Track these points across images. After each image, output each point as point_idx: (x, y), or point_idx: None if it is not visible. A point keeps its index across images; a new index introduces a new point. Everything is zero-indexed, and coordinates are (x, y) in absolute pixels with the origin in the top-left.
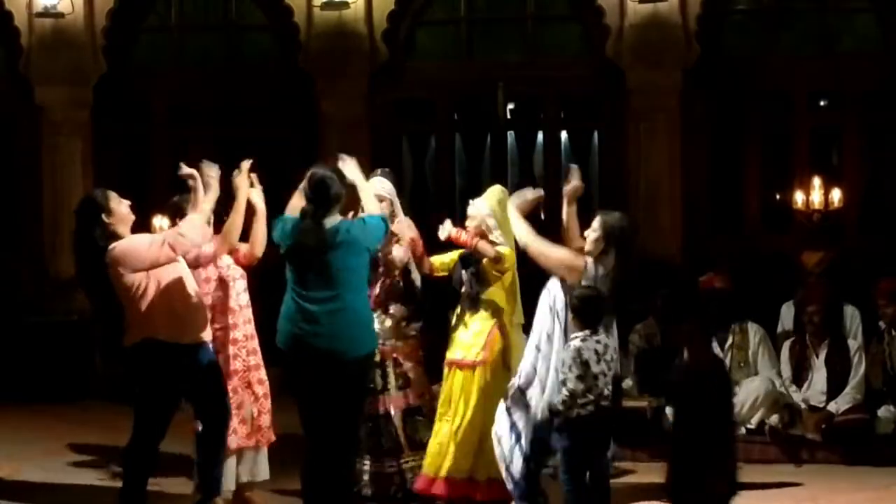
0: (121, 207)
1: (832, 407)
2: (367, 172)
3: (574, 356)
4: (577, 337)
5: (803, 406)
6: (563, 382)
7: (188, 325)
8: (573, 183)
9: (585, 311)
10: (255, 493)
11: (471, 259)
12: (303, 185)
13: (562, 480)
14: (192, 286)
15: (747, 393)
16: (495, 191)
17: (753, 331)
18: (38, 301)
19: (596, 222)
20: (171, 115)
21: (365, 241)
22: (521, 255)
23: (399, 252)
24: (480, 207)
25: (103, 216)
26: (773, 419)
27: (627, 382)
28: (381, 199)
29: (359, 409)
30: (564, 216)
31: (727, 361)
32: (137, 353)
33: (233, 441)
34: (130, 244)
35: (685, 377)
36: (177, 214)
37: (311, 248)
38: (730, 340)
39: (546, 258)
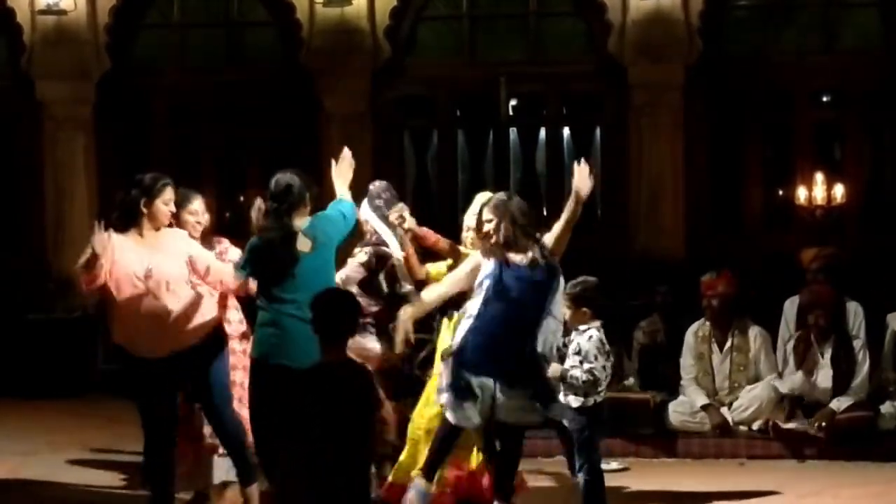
0: (164, 207)
1: (834, 405)
2: (371, 168)
3: (598, 346)
4: (591, 327)
5: (805, 400)
6: (591, 371)
7: (149, 342)
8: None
9: (595, 300)
10: (229, 492)
11: None
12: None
13: (580, 472)
14: (166, 305)
15: (750, 399)
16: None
17: (754, 333)
18: (40, 298)
19: (487, 212)
20: (173, 112)
21: (335, 237)
22: None
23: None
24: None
25: (143, 201)
26: (775, 414)
27: (630, 379)
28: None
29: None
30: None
31: (727, 364)
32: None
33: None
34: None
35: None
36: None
37: (276, 244)
38: (729, 342)
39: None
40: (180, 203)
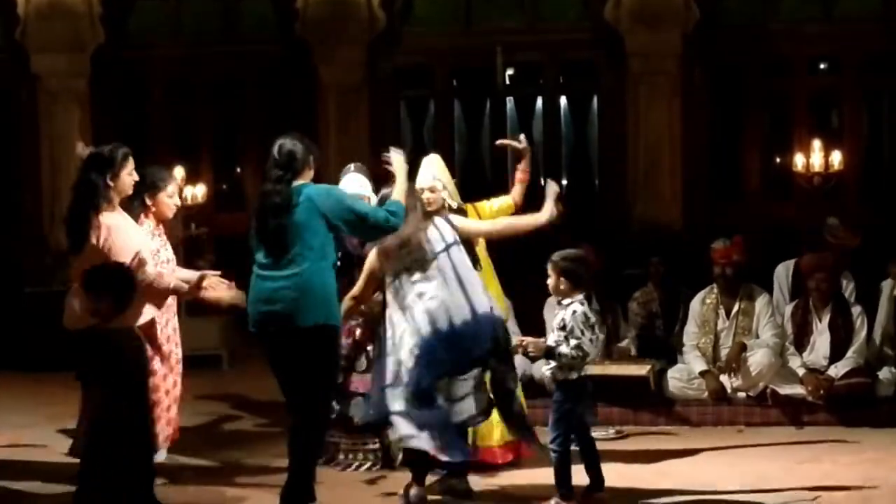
0: (128, 178)
1: (832, 371)
2: (367, 140)
3: (582, 320)
4: (573, 301)
5: (802, 371)
6: (579, 347)
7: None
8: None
9: (580, 273)
10: None
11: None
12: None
13: (552, 443)
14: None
15: (752, 364)
16: (434, 159)
17: (759, 297)
18: (38, 271)
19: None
20: (169, 85)
21: (322, 207)
22: None
23: None
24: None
25: (108, 176)
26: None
27: (626, 341)
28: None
29: (323, 380)
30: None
31: (732, 327)
32: None
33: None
34: (124, 239)
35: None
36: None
37: (274, 206)
38: (736, 307)
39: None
40: (156, 184)
